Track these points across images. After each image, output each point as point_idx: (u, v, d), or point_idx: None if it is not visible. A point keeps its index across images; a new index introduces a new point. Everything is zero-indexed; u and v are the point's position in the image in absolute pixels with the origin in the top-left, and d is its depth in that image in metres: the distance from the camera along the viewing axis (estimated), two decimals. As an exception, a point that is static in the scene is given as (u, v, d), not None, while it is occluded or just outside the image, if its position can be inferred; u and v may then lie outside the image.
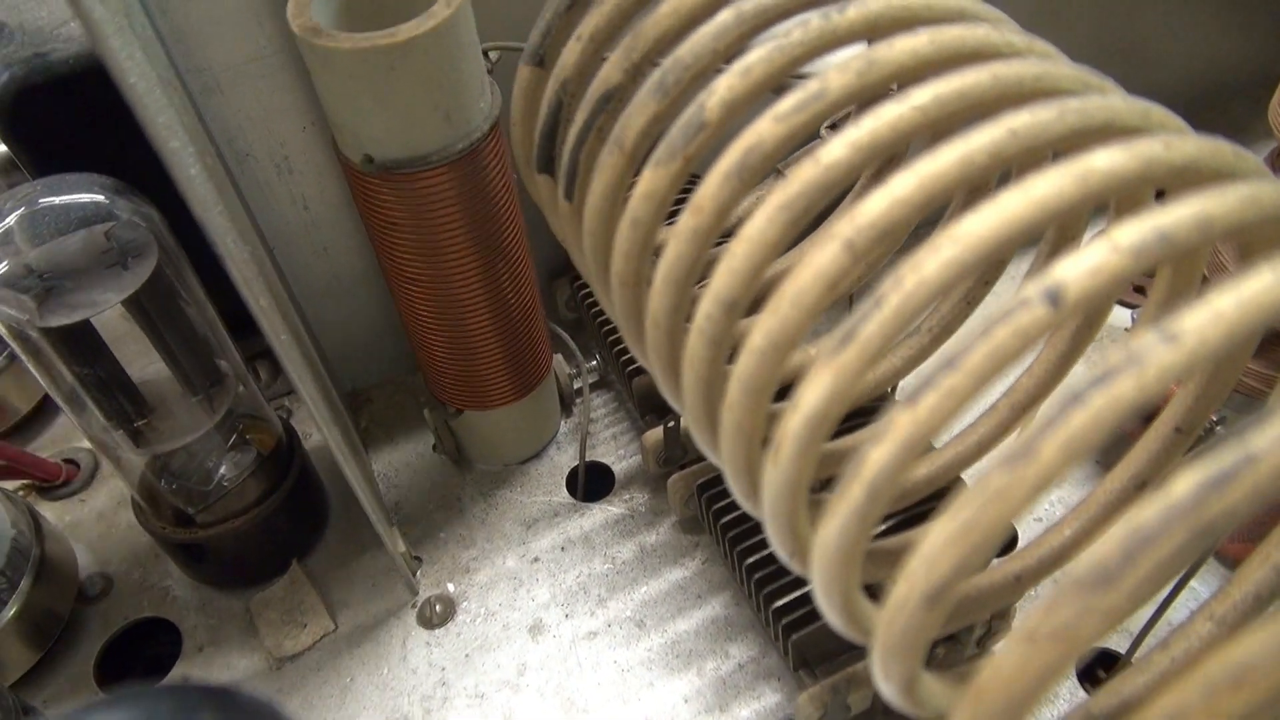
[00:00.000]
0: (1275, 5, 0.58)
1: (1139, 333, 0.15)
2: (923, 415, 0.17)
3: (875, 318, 0.18)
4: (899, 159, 0.34)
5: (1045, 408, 0.16)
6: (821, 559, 0.20)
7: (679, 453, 0.43)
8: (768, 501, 0.22)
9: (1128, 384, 0.15)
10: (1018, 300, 0.17)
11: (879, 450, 0.18)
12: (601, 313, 0.47)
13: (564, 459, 0.48)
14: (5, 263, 0.32)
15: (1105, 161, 0.18)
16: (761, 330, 0.21)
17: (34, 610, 0.40)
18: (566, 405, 0.49)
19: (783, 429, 0.20)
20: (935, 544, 0.17)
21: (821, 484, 0.33)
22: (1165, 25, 0.56)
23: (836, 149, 0.21)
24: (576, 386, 0.49)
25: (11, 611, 0.39)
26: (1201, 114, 0.61)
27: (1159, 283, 0.25)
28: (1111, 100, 0.20)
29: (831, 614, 0.22)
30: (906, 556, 0.18)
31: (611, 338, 0.46)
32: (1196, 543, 0.14)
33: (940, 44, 0.22)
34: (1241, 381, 0.37)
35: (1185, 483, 0.14)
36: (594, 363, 0.50)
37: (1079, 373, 0.30)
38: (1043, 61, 0.21)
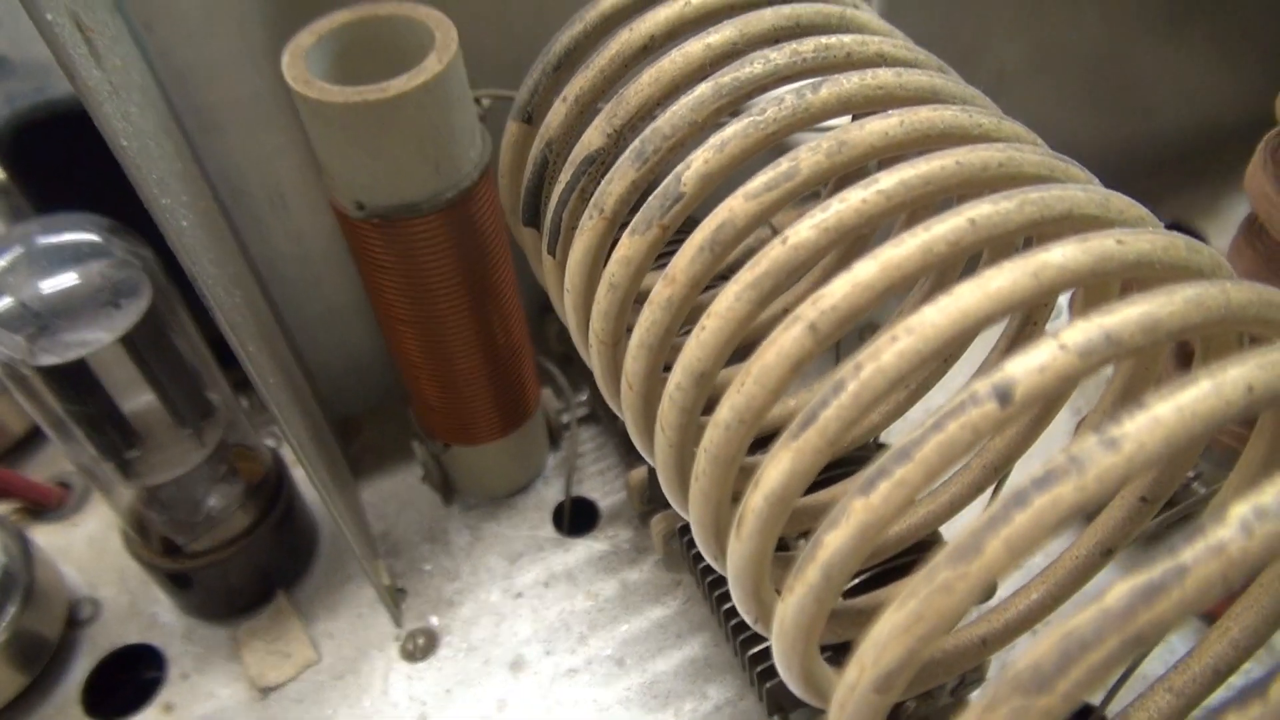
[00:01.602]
0: (1265, 50, 0.58)
1: (1082, 435, 0.16)
2: (876, 503, 0.18)
3: (834, 404, 0.19)
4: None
5: (991, 502, 0.17)
6: (780, 633, 0.20)
7: (662, 491, 0.43)
8: (731, 571, 0.22)
9: (1068, 488, 0.15)
10: (968, 394, 0.17)
11: (835, 535, 0.18)
12: (591, 349, 0.48)
13: (550, 493, 0.48)
14: (1, 302, 0.33)
15: (1059, 258, 0.18)
16: (728, 406, 0.21)
17: (23, 636, 0.41)
18: (554, 439, 0.49)
19: (745, 505, 0.21)
20: (884, 632, 0.17)
21: (800, 534, 0.34)
22: (1156, 71, 0.56)
23: (804, 231, 0.21)
24: (564, 421, 0.49)
25: (1, 638, 0.40)
26: (1194, 158, 0.61)
27: (1117, 375, 0.25)
28: (1071, 190, 0.21)
29: (791, 683, 0.22)
30: (857, 639, 0.18)
31: (599, 375, 0.47)
32: (1128, 650, 0.14)
33: (910, 127, 0.22)
34: (1218, 440, 0.38)
35: (1118, 592, 0.14)
36: (583, 397, 0.50)
37: (1063, 419, 0.30)
38: (1008, 148, 0.22)
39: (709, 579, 0.38)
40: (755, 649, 0.36)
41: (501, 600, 0.44)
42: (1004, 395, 0.17)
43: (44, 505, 0.48)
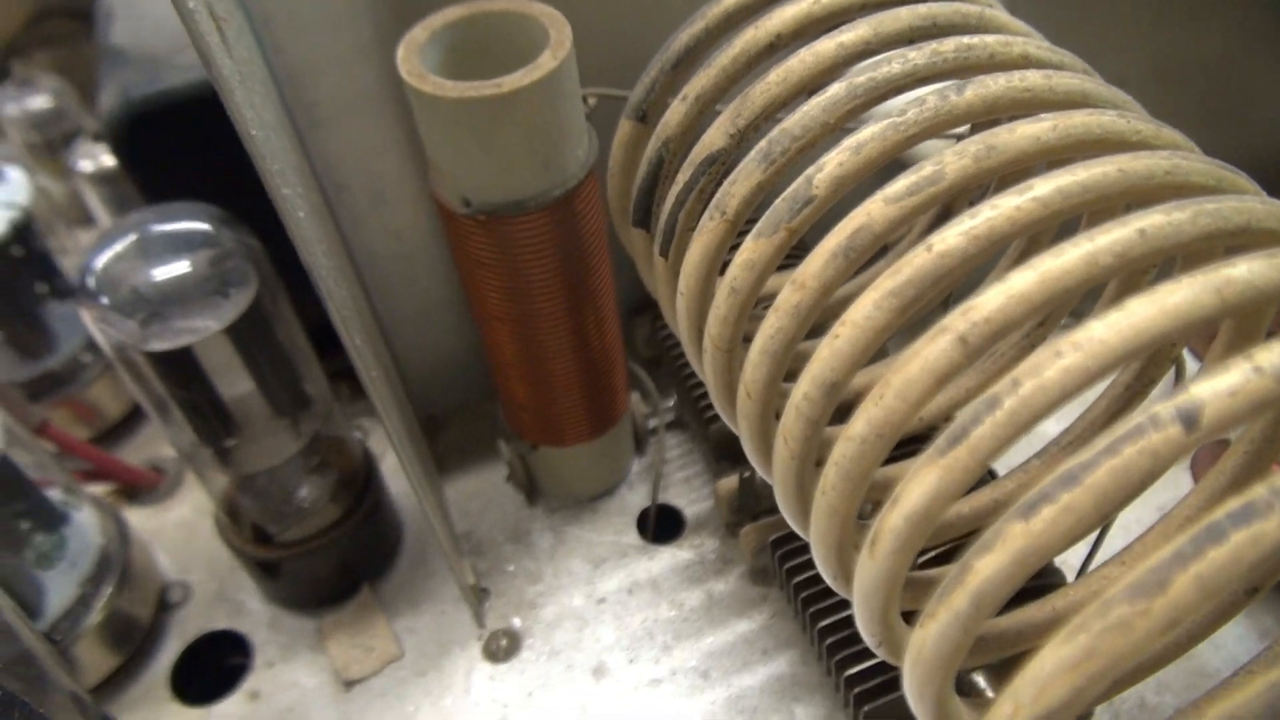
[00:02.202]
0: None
1: (1281, 467, 0.15)
2: (1037, 530, 0.17)
3: (988, 421, 0.18)
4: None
5: (1177, 533, 0.15)
6: (916, 662, 0.19)
7: (752, 502, 0.43)
8: (859, 592, 0.21)
9: (1272, 524, 0.14)
10: (1149, 417, 0.16)
11: (988, 561, 0.17)
12: (682, 354, 0.47)
13: (635, 499, 0.47)
14: (115, 287, 0.33)
15: (1245, 273, 0.17)
16: (863, 419, 0.20)
17: (117, 617, 0.42)
18: (640, 444, 0.49)
19: (881, 523, 0.20)
20: (1045, 668, 0.16)
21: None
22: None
23: (951, 238, 0.20)
24: (651, 426, 0.48)
25: (97, 618, 0.41)
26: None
27: None
28: (1248, 201, 0.19)
29: (922, 715, 0.21)
30: (1016, 670, 0.17)
31: (691, 380, 0.46)
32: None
33: (1065, 131, 0.21)
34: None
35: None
36: (670, 403, 0.49)
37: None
38: (1173, 155, 0.20)
39: (802, 595, 0.37)
40: (852, 670, 0.34)
41: (585, 605, 0.43)
42: (1190, 420, 0.16)
43: (138, 488, 0.49)
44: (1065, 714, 0.16)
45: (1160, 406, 0.16)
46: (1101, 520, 0.17)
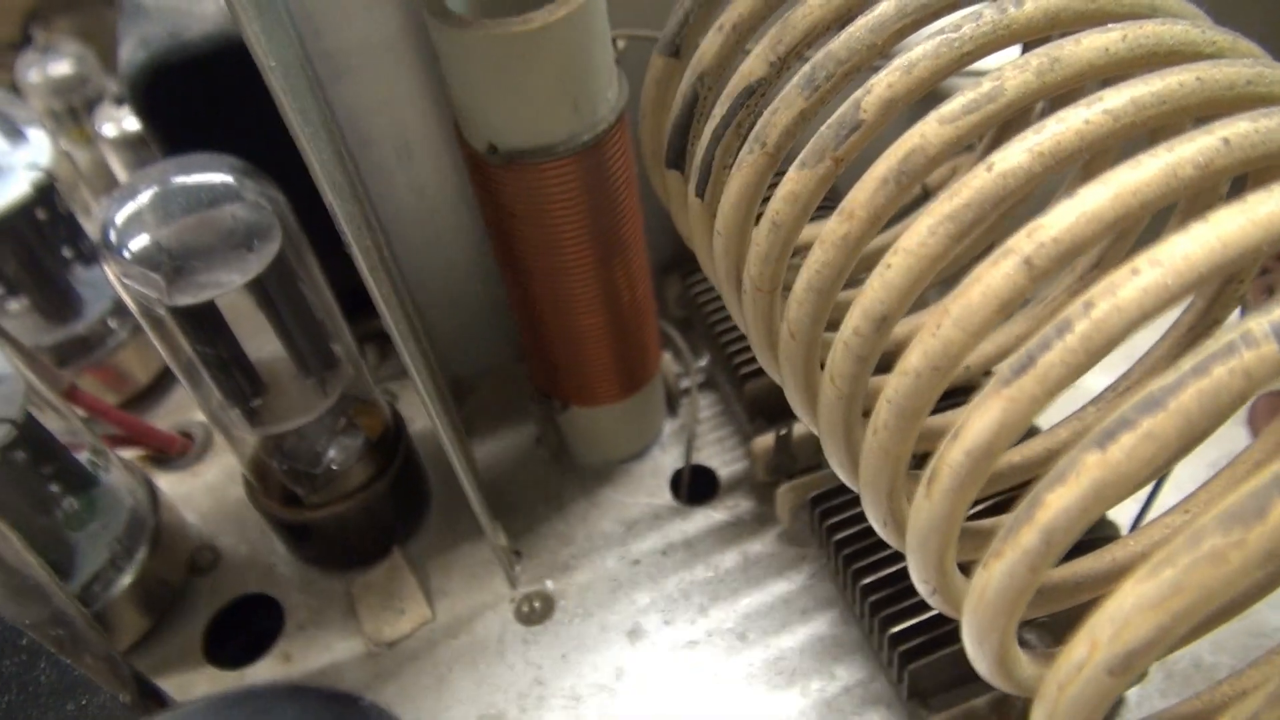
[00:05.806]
0: None
1: (1394, 383, 0.13)
2: (1116, 459, 0.15)
3: (1058, 347, 0.17)
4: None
5: (1246, 479, 0.14)
6: (979, 606, 0.18)
7: (789, 461, 0.41)
8: (915, 535, 0.20)
9: (1383, 443, 0.13)
10: (1240, 335, 0.15)
11: (1060, 494, 0.16)
12: (714, 312, 0.46)
13: (668, 460, 0.46)
14: (138, 240, 0.32)
15: (1344, 180, 0.16)
16: (920, 351, 0.19)
17: (149, 579, 0.41)
18: (672, 405, 0.48)
19: (941, 460, 0.19)
20: (1127, 604, 0.15)
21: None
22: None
23: (1014, 156, 0.19)
24: (684, 386, 0.47)
25: (128, 580, 0.40)
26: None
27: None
28: (1343, 109, 0.18)
29: (982, 664, 0.20)
30: (1090, 611, 0.16)
31: (724, 339, 0.45)
32: None
33: (1135, 41, 0.20)
34: None
35: None
36: (703, 363, 0.48)
37: None
38: (1256, 63, 0.19)
39: (843, 553, 0.36)
40: (896, 629, 0.33)
41: (618, 567, 0.43)
42: (1286, 336, 0.14)
43: (168, 453, 0.49)
44: (1147, 655, 0.15)
45: (1253, 321, 0.15)
46: (1185, 450, 0.16)
